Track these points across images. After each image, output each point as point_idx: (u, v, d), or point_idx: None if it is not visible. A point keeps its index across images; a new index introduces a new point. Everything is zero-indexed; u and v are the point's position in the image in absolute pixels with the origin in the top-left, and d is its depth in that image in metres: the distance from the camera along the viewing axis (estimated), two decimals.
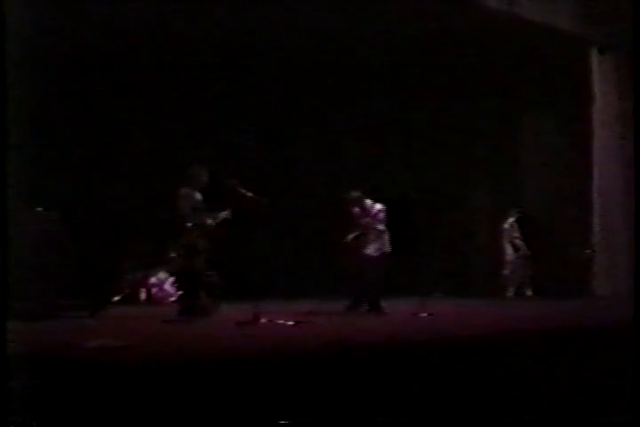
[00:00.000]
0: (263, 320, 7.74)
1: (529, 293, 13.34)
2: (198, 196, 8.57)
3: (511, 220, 13.46)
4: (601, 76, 13.04)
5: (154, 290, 12.10)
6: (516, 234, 13.43)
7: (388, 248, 9.84)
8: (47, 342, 5.79)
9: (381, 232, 9.84)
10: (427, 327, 7.97)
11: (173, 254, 11.02)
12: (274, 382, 4.61)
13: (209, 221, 8.48)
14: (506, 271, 13.55)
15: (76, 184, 11.69)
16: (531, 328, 7.65)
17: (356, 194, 9.97)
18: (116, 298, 11.77)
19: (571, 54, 12.90)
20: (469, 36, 12.09)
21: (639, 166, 9.48)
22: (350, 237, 9.89)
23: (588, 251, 13.07)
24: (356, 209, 9.90)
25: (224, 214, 8.54)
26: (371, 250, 9.77)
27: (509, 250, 13.44)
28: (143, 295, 12.15)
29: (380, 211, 9.89)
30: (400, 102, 13.84)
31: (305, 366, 5.03)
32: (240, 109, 13.47)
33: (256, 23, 11.39)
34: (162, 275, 12.07)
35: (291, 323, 7.70)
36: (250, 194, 8.27)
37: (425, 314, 9.01)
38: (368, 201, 9.93)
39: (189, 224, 8.45)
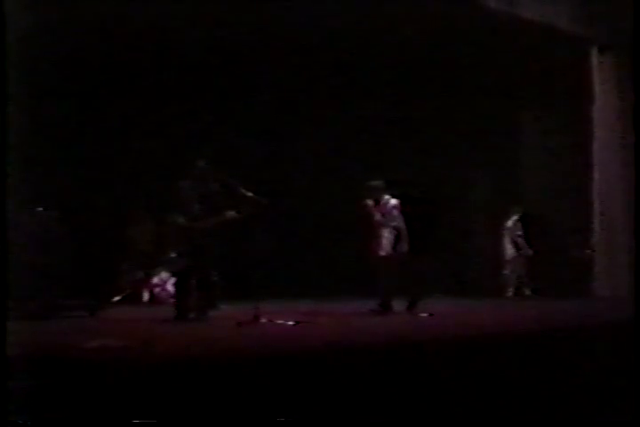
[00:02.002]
0: (263, 320, 7.74)
1: (527, 292, 13.32)
2: (196, 191, 8.39)
3: (515, 218, 13.44)
4: (601, 75, 13.04)
5: (156, 290, 12.11)
6: (519, 233, 13.41)
7: (404, 247, 9.38)
8: (47, 342, 5.79)
9: (397, 230, 9.38)
10: (427, 327, 7.97)
11: (173, 254, 11.03)
12: (274, 382, 4.61)
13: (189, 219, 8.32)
14: (506, 270, 13.55)
15: (76, 184, 11.69)
16: (531, 328, 7.65)
17: (376, 183, 9.49)
18: (117, 298, 11.79)
19: (571, 54, 12.90)
20: (469, 35, 12.09)
21: (639, 166, 9.50)
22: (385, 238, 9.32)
23: (588, 251, 13.07)
24: (371, 202, 9.41)
25: (231, 214, 8.37)
26: (385, 249, 9.37)
27: (511, 248, 13.42)
28: (146, 295, 12.17)
29: (394, 207, 9.41)
30: (400, 102, 13.84)
31: (305, 366, 5.03)
32: (240, 109, 13.47)
33: (256, 23, 11.39)
34: (164, 275, 12.08)
35: (291, 323, 7.70)
36: (250, 194, 8.25)
37: (425, 314, 9.01)
38: (386, 195, 9.47)
39: (181, 221, 8.36)
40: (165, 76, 12.56)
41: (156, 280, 12.17)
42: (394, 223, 9.41)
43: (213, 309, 9.73)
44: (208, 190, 8.45)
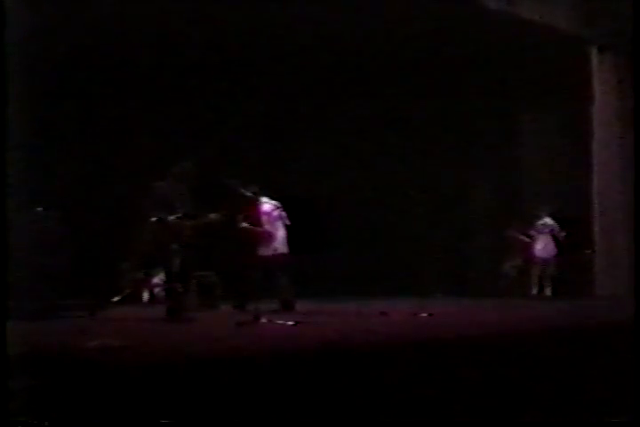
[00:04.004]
0: (263, 320, 7.75)
1: (548, 293, 13.28)
2: (174, 191, 8.21)
3: (545, 218, 13.38)
4: (601, 75, 13.05)
5: (156, 290, 12.10)
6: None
7: (282, 249, 9.60)
8: (47, 342, 5.79)
9: (273, 232, 9.55)
10: (427, 327, 7.97)
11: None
12: (274, 383, 4.61)
13: (171, 218, 8.07)
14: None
15: (76, 184, 11.69)
16: (531, 328, 7.65)
17: (251, 189, 9.49)
18: (117, 298, 11.78)
19: (571, 54, 12.91)
20: (469, 35, 12.10)
21: (639, 166, 9.50)
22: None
23: (588, 251, 13.07)
24: (248, 206, 9.54)
25: (214, 216, 8.25)
26: (262, 250, 9.52)
27: (539, 246, 13.37)
28: (146, 295, 12.17)
29: (268, 211, 9.57)
30: (399, 102, 13.85)
31: (305, 366, 5.03)
32: (240, 109, 13.47)
33: (256, 23, 11.40)
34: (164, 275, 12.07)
35: (291, 323, 7.70)
36: (249, 194, 8.24)
37: (425, 314, 9.00)
38: (264, 199, 9.58)
39: (153, 219, 8.16)
40: (165, 75, 12.56)
41: (156, 280, 12.17)
42: (267, 226, 9.57)
43: (213, 309, 9.73)
44: (191, 190, 8.28)
